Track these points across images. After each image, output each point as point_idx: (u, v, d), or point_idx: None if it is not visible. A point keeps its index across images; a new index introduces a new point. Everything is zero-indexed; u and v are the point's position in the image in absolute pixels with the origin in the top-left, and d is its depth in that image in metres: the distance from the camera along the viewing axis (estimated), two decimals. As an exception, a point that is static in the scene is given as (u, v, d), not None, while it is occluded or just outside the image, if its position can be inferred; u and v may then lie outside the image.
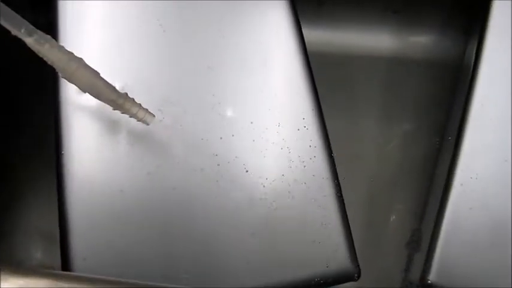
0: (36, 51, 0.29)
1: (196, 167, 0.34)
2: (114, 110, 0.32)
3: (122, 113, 0.32)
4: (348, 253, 0.33)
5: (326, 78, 0.58)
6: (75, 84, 0.30)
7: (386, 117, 0.55)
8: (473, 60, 0.37)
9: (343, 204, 0.34)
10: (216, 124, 0.35)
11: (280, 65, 0.36)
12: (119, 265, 0.32)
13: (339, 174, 0.35)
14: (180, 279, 0.32)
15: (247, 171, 0.34)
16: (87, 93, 0.31)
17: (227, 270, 0.32)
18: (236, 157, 0.34)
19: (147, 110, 0.33)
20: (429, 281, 0.33)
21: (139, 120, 0.33)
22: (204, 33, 0.37)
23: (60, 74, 0.30)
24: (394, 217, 0.50)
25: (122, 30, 0.36)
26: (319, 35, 0.57)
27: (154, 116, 0.33)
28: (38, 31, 0.29)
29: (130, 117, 0.33)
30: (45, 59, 0.29)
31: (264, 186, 0.33)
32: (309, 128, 0.35)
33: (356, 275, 0.33)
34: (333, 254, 0.33)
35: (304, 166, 0.34)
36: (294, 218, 0.33)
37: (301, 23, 0.38)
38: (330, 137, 0.36)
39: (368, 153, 0.53)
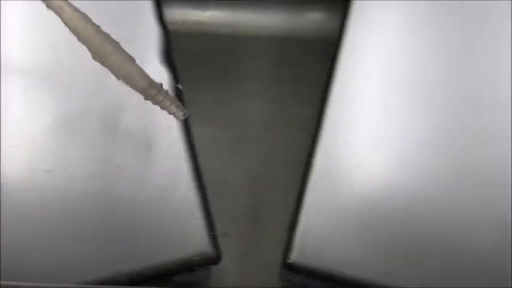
0: (70, 28, 0.25)
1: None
2: (146, 100, 0.29)
3: (153, 103, 0.29)
4: (208, 237, 0.32)
5: (216, 59, 0.57)
6: (107, 68, 0.27)
7: (275, 98, 0.54)
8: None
9: (204, 188, 0.33)
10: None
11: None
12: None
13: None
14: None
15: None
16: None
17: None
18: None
19: (180, 104, 0.30)
20: (289, 261, 0.33)
21: (170, 113, 0.30)
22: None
23: (92, 56, 0.27)
24: (278, 199, 0.50)
25: None
26: (209, 16, 0.55)
27: (187, 111, 0.31)
28: (74, 6, 0.25)
29: (162, 109, 0.30)
30: (78, 38, 0.26)
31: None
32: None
33: (216, 258, 0.32)
34: (192, 239, 0.32)
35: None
36: (155, 205, 0.33)
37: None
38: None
39: (254, 136, 0.53)
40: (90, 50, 0.27)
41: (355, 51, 0.37)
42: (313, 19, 0.57)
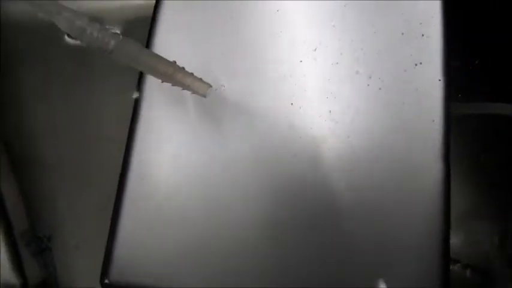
0: (63, 29, 0.25)
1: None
2: (163, 82, 0.28)
3: (173, 85, 0.28)
4: (10, 264, 0.30)
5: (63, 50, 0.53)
6: (116, 60, 0.26)
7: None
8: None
9: (4, 210, 0.30)
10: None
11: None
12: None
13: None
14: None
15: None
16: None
17: None
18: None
19: (201, 79, 0.29)
20: (106, 281, 0.31)
21: (194, 92, 0.29)
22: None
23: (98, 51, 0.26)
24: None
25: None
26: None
27: (210, 85, 0.29)
28: (68, 8, 0.25)
29: (183, 89, 0.29)
30: (79, 39, 0.25)
31: None
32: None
33: (20, 285, 0.30)
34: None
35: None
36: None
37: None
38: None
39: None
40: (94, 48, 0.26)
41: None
42: None
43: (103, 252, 0.32)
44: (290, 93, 0.32)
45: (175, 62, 0.28)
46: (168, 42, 0.33)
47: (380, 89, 0.32)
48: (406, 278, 0.30)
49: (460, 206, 0.49)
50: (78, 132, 0.49)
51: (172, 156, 0.31)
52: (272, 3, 0.34)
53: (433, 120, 0.32)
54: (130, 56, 0.26)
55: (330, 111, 0.32)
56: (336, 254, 0.30)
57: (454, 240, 0.49)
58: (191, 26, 0.34)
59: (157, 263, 0.30)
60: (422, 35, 0.33)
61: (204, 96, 0.29)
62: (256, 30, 0.34)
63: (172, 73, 0.28)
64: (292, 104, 0.32)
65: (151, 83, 0.33)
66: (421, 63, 0.33)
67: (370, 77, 0.33)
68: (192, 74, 0.29)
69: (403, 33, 0.33)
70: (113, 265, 0.30)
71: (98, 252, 0.37)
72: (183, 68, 0.29)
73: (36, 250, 0.40)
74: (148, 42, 0.34)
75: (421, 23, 0.34)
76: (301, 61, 0.33)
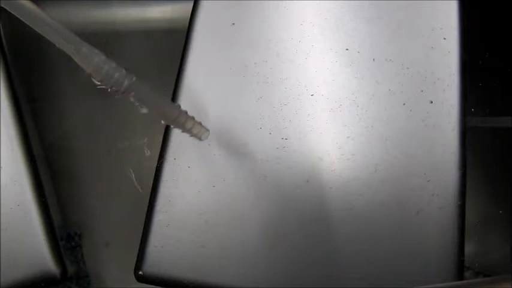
0: (79, 63, 0.24)
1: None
2: (166, 124, 0.29)
3: (174, 127, 0.30)
4: (50, 254, 0.32)
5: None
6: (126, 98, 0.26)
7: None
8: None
9: (46, 206, 0.32)
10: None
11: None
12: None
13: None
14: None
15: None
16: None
17: None
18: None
19: (200, 123, 0.31)
20: (140, 273, 0.33)
21: (192, 135, 0.31)
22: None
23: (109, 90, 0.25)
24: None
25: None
26: (84, 14, 0.53)
27: (208, 130, 0.31)
28: (86, 44, 0.24)
29: (183, 132, 0.30)
30: (95, 76, 0.25)
31: None
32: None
33: (59, 274, 0.32)
34: (34, 257, 0.31)
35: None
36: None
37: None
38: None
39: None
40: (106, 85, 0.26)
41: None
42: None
43: (131, 250, 0.34)
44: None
45: (179, 105, 0.29)
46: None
47: (404, 104, 0.35)
48: (422, 283, 0.31)
49: (471, 216, 0.51)
50: (109, 138, 0.51)
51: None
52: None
53: (450, 132, 0.34)
54: (140, 97, 0.27)
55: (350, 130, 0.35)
56: (358, 261, 0.32)
57: (466, 248, 0.50)
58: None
59: (188, 258, 0.32)
60: (441, 48, 0.35)
61: (201, 139, 0.32)
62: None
63: (177, 116, 0.29)
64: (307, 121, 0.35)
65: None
66: (438, 78, 0.35)
67: (390, 90, 0.35)
68: (193, 118, 0.30)
69: (423, 47, 0.35)
70: (147, 258, 0.32)
71: (127, 250, 0.38)
72: (186, 112, 0.30)
73: (67, 246, 0.42)
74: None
75: (443, 37, 0.36)
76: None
